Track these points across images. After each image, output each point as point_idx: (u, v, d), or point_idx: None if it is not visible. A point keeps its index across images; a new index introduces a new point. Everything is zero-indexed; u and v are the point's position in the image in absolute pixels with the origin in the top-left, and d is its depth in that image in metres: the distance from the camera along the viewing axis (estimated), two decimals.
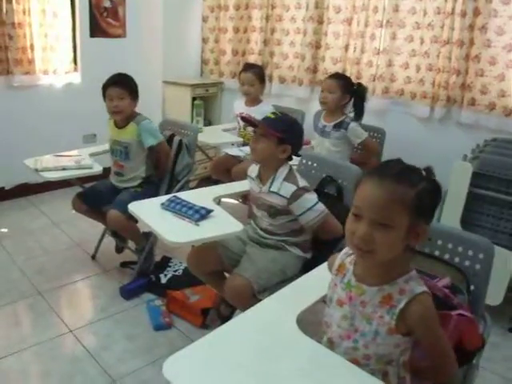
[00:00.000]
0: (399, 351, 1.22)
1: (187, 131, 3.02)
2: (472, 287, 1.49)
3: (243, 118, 2.27)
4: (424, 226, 1.15)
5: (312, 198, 2.01)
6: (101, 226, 3.05)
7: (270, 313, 1.39)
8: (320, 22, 3.87)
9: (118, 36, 4.23)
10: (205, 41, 4.54)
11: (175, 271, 2.88)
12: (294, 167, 2.15)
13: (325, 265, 1.57)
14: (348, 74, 3.72)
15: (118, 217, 2.58)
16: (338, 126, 3.10)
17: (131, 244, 2.96)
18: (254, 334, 1.29)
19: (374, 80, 3.66)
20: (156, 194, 2.79)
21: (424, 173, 1.17)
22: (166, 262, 2.98)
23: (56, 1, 3.81)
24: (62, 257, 3.12)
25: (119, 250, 3.08)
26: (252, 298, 1.97)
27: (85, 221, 3.03)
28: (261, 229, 2.15)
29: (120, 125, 2.79)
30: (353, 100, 3.13)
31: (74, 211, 2.87)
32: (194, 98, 4.33)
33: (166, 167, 2.85)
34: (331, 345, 1.28)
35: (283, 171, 2.05)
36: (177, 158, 2.87)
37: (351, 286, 1.25)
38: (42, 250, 3.20)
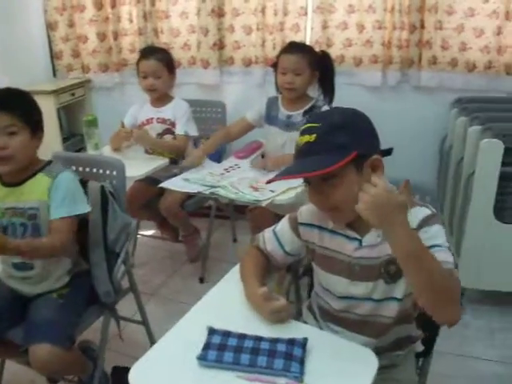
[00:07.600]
0: None
1: (104, 170, 1.89)
2: None
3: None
4: None
5: None
6: None
7: None
8: None
9: None
10: (52, 27, 3.17)
11: None
12: None
13: None
14: (270, 43, 2.91)
15: (52, 355, 1.41)
16: (308, 113, 2.28)
17: None
18: None
19: None
20: (88, 290, 1.69)
21: None
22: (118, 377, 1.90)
23: None
24: None
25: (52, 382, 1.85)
26: None
27: None
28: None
29: (13, 179, 1.55)
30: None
31: None
32: (57, 110, 3.10)
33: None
34: None
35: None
36: (106, 218, 1.72)
37: None
38: None
